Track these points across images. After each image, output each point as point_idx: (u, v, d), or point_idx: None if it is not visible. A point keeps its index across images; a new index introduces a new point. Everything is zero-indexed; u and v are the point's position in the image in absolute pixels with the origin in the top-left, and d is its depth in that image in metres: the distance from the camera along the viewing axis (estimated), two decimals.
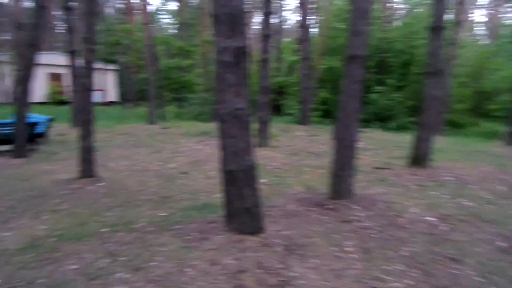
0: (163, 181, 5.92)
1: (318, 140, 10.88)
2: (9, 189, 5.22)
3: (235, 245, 3.30)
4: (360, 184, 5.51)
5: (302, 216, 4.19)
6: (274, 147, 9.27)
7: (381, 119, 17.37)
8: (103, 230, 3.76)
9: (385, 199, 4.92)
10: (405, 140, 10.88)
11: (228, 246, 3.28)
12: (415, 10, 22.26)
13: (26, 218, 4.09)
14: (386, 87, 17.85)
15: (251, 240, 3.39)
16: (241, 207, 3.40)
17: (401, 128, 16.34)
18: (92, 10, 5.90)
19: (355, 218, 4.17)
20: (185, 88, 22.51)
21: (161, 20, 37.34)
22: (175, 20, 31.64)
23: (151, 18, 18.80)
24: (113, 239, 3.52)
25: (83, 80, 5.81)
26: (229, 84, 3.16)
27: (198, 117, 18.20)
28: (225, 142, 3.29)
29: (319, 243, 3.47)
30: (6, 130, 7.91)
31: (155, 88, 16.78)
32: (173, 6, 35.76)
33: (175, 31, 32.87)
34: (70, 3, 12.85)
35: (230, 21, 3.14)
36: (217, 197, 4.95)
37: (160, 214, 4.27)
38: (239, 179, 3.33)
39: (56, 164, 7.14)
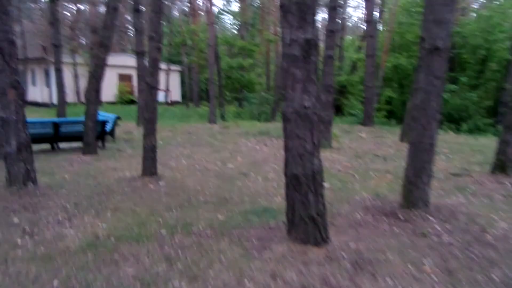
0: (222, 182, 5.80)
1: (384, 142, 10.21)
2: (76, 186, 5.39)
3: (297, 257, 3.02)
4: (436, 192, 4.96)
5: (371, 227, 3.80)
6: (337, 148, 8.83)
7: (454, 120, 16.06)
8: (162, 231, 3.68)
9: (466, 210, 4.35)
10: (483, 143, 9.86)
11: (290, 258, 3.01)
12: (494, 2, 20.33)
13: (89, 216, 4.14)
14: (459, 85, 16.46)
15: (315, 252, 3.09)
16: (305, 214, 3.11)
17: (475, 130, 14.97)
18: (159, 9, 5.93)
19: (433, 231, 3.69)
20: (245, 87, 22.63)
21: (224, 20, 38.03)
22: (237, 20, 32.01)
23: (214, 18, 19.08)
24: (171, 242, 3.41)
25: (148, 79, 5.87)
26: (296, 80, 2.89)
27: (257, 117, 18.14)
28: (289, 143, 3.02)
29: (392, 260, 3.07)
30: (78, 128, 8.33)
31: (216, 87, 16.99)
32: (236, 6, 36.22)
33: (236, 31, 33.25)
34: (140, 6, 13.37)
35: (300, 10, 2.86)
36: (278, 201, 4.71)
37: (219, 217, 4.11)
38: (303, 184, 3.04)
39: (121, 161, 7.35)
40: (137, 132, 11.29)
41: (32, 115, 15.85)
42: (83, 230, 3.73)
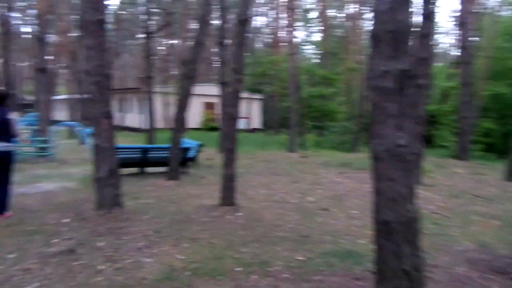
0: (301, 216, 5.51)
1: (485, 180, 9.08)
2: (158, 212, 5.52)
3: None
4: None
5: (477, 286, 3.21)
6: (429, 185, 8.02)
7: None
8: (237, 269, 3.50)
9: None
10: None
11: None
12: None
13: (168, 245, 4.14)
14: None
15: None
16: (398, 268, 2.70)
17: None
18: (241, 44, 6.02)
19: None
20: (326, 116, 22.25)
21: (305, 50, 38.40)
22: (318, 50, 32.08)
23: (296, 49, 19.26)
24: (246, 282, 3.21)
25: (229, 109, 5.92)
26: (389, 115, 2.57)
27: (338, 147, 17.57)
28: (380, 186, 2.67)
29: None
30: (164, 154, 8.71)
31: (296, 116, 16.90)
32: (317, 37, 36.45)
33: (318, 60, 33.26)
34: (224, 40, 13.98)
35: (394, 39, 2.58)
36: (363, 243, 4.29)
37: (298, 258, 3.82)
38: (396, 233, 2.65)
39: (202, 188, 7.45)
40: (218, 159, 11.53)
41: (125, 140, 17.21)
42: (160, 260, 3.70)
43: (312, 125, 21.84)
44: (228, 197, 5.87)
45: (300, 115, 19.73)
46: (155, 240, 4.27)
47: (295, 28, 17.28)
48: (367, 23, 35.13)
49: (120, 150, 7.65)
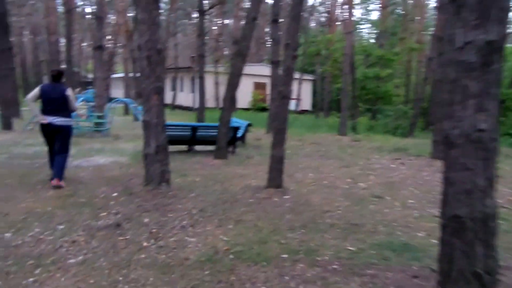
0: (352, 203, 5.18)
1: None
2: (204, 190, 5.44)
3: None
4: None
5: None
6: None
7: None
8: (283, 255, 3.30)
9: None
10: None
11: None
12: None
13: (212, 225, 4.03)
14: None
15: None
16: (467, 270, 2.35)
17: None
18: (297, 18, 5.67)
19: None
20: (381, 99, 21.19)
21: (361, 29, 36.72)
22: (375, 29, 30.50)
23: (352, 27, 18.34)
24: (292, 271, 3.00)
25: (281, 88, 5.64)
26: (469, 94, 2.18)
27: (393, 131, 16.68)
28: (454, 176, 2.31)
29: None
30: (213, 132, 8.66)
31: (349, 98, 16.21)
32: (374, 15, 34.63)
33: (374, 40, 31.68)
34: (278, 17, 13.55)
35: (480, 3, 2.17)
36: (420, 237, 3.92)
37: (348, 248, 3.55)
38: (469, 230, 2.29)
39: (249, 168, 7.31)
40: (266, 139, 11.37)
41: (176, 118, 17.55)
42: (204, 240, 3.60)
43: (365, 108, 20.93)
44: (275, 179, 5.66)
45: (353, 97, 18.94)
46: (200, 219, 4.18)
47: (352, 5, 16.39)
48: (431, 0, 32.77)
49: (169, 127, 7.69)
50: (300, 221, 4.30)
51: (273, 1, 14.24)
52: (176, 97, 28.05)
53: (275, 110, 13.77)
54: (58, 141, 5.37)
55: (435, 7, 17.97)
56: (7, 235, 3.55)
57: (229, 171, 6.98)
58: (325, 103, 26.51)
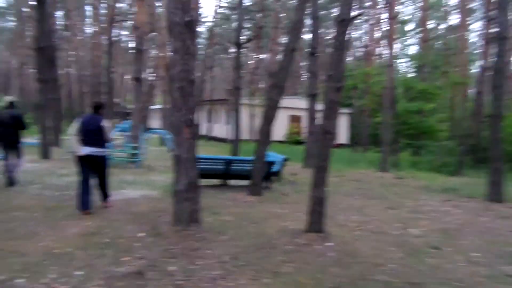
0: (406, 254, 4.50)
1: None
2: (237, 232, 4.95)
3: None
4: None
5: None
6: None
7: None
8: None
9: None
10: None
11: None
12: None
13: (246, 277, 3.51)
14: None
15: None
16: None
17: None
18: (341, 46, 5.25)
19: None
20: (424, 134, 20.10)
21: (399, 64, 36.04)
22: (415, 63, 29.73)
23: (393, 60, 17.80)
24: None
25: (324, 123, 5.16)
26: None
27: (439, 169, 15.60)
28: None
29: None
30: (247, 166, 8.24)
31: (390, 132, 15.44)
32: (412, 50, 34.04)
33: (414, 74, 30.86)
34: (315, 50, 13.31)
35: None
36: None
37: None
38: None
39: (285, 207, 6.78)
40: (303, 174, 10.82)
41: (210, 150, 17.37)
42: None
43: (407, 143, 19.89)
44: (316, 223, 5.09)
45: (393, 131, 18.12)
46: (232, 269, 3.67)
47: (393, 38, 15.93)
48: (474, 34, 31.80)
49: (202, 160, 7.35)
50: (347, 276, 3.69)
51: (311, 34, 14.07)
52: (212, 129, 28.17)
53: (310, 145, 13.32)
54: (95, 171, 5.64)
55: (483, 39, 17.17)
56: (20, 281, 3.20)
57: (264, 209, 6.47)
58: (363, 138, 25.67)
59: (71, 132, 5.56)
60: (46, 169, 9.59)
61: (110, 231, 4.67)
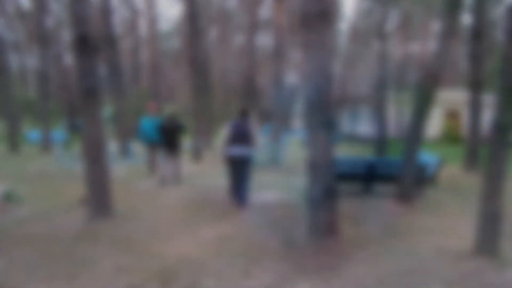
0: None
1: None
2: (381, 250, 4.21)
3: None
4: None
5: None
6: None
7: None
8: None
9: None
10: None
11: None
12: None
13: None
14: None
15: None
16: None
17: None
18: None
19: None
20: None
21: None
22: None
23: None
24: None
25: (498, 115, 4.01)
26: None
27: None
28: None
29: None
30: (394, 169, 7.27)
31: None
32: None
33: None
34: (481, 30, 11.17)
35: None
36: None
37: None
38: None
39: (442, 219, 5.65)
40: (463, 179, 9.16)
41: (354, 150, 16.44)
42: None
43: None
44: (488, 242, 3.99)
45: None
46: None
47: None
48: None
49: (341, 163, 6.73)
50: None
51: (473, 14, 11.92)
52: (356, 127, 27.03)
53: (471, 144, 11.21)
54: (241, 171, 6.05)
55: None
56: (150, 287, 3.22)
57: (415, 221, 5.50)
58: None
59: (222, 136, 6.16)
60: (197, 170, 10.35)
61: (243, 237, 4.52)
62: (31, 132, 20.17)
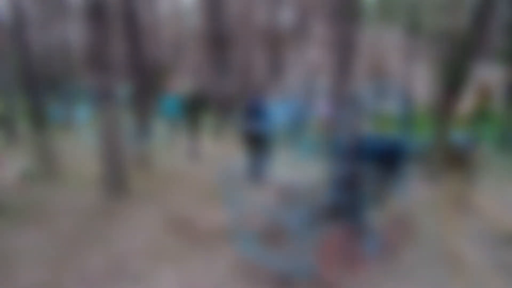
0: None
1: None
2: None
3: None
4: None
5: None
6: None
7: None
8: None
9: None
10: None
11: None
12: None
13: None
14: None
15: None
16: None
17: None
18: None
19: None
20: None
21: None
22: None
23: None
24: None
25: None
26: None
27: None
28: None
29: None
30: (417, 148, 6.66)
31: None
32: None
33: None
34: None
35: None
36: None
37: None
38: None
39: None
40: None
41: (380, 127, 15.54)
42: None
43: None
44: None
45: None
46: None
47: None
48: None
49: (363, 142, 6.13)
50: None
51: None
52: (382, 102, 25.89)
53: None
54: (258, 147, 6.06)
55: None
56: None
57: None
58: None
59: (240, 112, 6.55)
60: (218, 149, 10.10)
61: None
62: (55, 109, 20.34)
